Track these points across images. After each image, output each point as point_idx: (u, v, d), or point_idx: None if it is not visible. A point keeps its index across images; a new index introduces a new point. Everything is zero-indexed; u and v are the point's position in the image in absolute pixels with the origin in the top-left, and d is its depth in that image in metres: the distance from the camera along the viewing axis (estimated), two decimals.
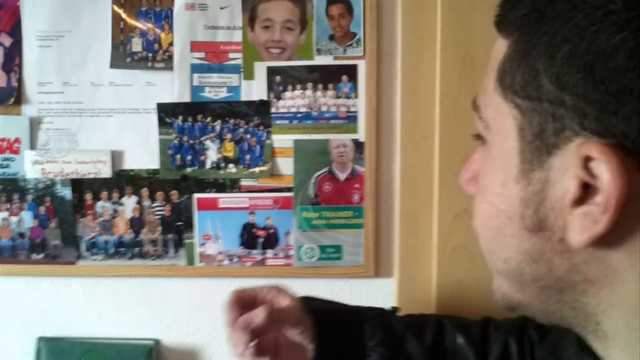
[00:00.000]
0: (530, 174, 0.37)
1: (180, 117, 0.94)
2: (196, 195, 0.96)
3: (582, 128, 0.33)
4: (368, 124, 0.92)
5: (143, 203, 0.97)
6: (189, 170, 0.95)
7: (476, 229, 0.44)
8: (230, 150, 0.95)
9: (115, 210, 0.97)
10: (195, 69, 0.94)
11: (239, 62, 0.93)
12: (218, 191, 0.96)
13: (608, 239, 0.34)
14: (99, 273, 0.98)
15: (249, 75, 0.93)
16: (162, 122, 0.95)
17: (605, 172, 0.32)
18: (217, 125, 0.94)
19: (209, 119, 0.94)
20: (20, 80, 0.96)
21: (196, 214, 0.96)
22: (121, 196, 0.97)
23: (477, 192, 0.44)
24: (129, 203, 0.97)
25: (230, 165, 0.95)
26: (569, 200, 0.34)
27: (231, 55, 0.93)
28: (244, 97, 0.94)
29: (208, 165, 0.95)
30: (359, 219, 0.94)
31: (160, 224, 0.97)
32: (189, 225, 0.96)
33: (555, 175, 0.35)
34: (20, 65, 0.96)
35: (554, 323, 0.41)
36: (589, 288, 0.36)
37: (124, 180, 0.96)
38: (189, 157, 0.95)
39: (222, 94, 0.94)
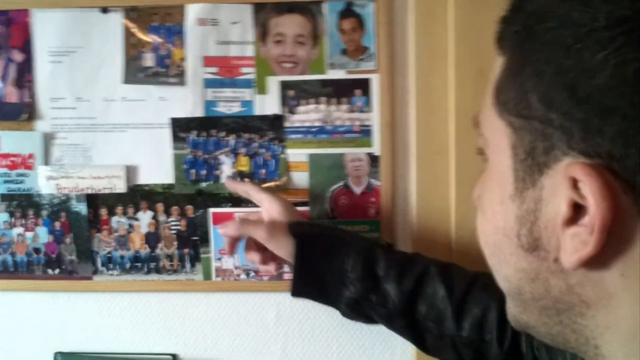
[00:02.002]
0: (524, 192, 0.36)
1: (194, 132, 0.94)
2: (211, 210, 0.96)
3: (570, 148, 0.32)
4: (383, 137, 0.92)
5: (158, 218, 0.97)
6: (203, 184, 0.95)
7: (481, 246, 0.44)
8: (244, 164, 0.95)
9: (130, 225, 0.97)
10: (208, 83, 0.94)
11: (252, 76, 0.93)
12: (233, 205, 0.96)
13: (600, 261, 0.33)
14: (115, 288, 0.98)
15: (262, 89, 0.93)
16: (176, 137, 0.95)
17: (590, 195, 0.31)
18: (231, 139, 0.94)
19: (222, 134, 0.94)
20: (32, 96, 0.96)
21: (212, 229, 0.96)
22: (136, 211, 0.97)
23: (480, 208, 0.43)
24: (144, 218, 0.97)
25: (245, 180, 0.95)
26: (561, 220, 0.34)
27: (244, 69, 0.93)
28: (257, 111, 0.94)
29: (223, 180, 0.95)
30: (375, 232, 0.94)
31: (176, 239, 0.97)
32: (204, 240, 0.97)
33: (547, 194, 0.34)
34: (32, 81, 0.95)
35: (560, 347, 0.41)
36: (586, 310, 0.35)
37: (139, 195, 0.96)
38: (204, 172, 0.95)
39: (236, 108, 0.94)
